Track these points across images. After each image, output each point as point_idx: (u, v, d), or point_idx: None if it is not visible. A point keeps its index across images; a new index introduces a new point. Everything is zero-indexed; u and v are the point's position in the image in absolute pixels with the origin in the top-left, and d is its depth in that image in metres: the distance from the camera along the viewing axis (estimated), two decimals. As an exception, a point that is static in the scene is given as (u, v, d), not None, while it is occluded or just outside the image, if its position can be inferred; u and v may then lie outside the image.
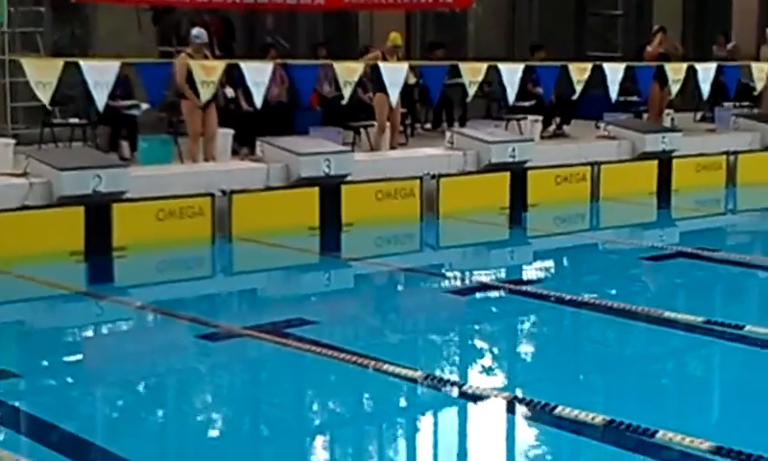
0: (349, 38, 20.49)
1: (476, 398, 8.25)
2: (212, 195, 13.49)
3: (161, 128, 17.30)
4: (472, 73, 15.94)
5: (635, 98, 21.07)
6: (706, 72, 18.21)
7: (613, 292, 11.71)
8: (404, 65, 16.15)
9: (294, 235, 13.67)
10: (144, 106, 16.42)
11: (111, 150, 16.15)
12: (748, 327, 9.68)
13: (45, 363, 9.46)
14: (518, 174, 15.90)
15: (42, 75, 12.53)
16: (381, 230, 14.43)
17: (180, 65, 15.11)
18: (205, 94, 14.17)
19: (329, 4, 18.97)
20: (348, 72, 14.92)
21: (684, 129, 19.24)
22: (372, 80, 17.35)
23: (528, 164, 16.06)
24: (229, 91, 16.81)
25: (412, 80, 18.75)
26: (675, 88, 18.35)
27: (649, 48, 20.15)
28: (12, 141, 14.50)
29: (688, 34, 25.81)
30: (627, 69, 17.52)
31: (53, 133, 16.74)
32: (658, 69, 18.68)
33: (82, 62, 13.03)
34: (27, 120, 17.69)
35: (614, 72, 17.17)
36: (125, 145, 16.30)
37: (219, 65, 14.36)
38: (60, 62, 12.71)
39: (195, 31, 15.59)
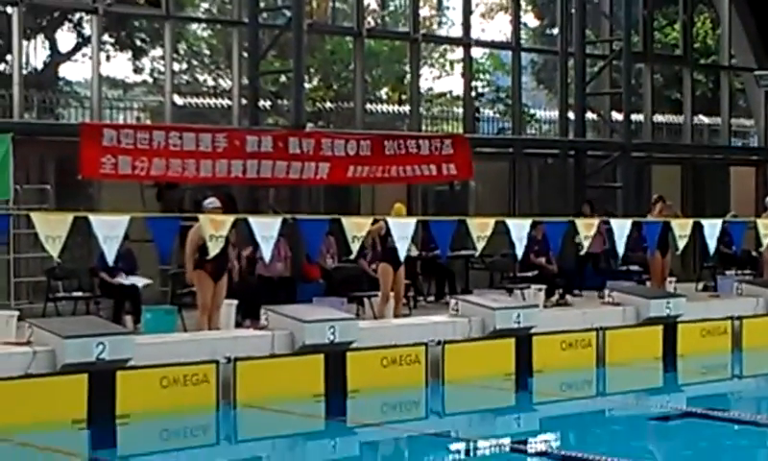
0: (351, 211, 20.66)
1: None
2: (217, 362, 13.40)
3: (164, 300, 17.30)
4: (480, 228, 15.82)
5: (636, 267, 21.20)
6: (712, 227, 17.99)
7: (623, 451, 11.55)
8: (412, 220, 16.12)
9: (299, 402, 13.52)
10: (145, 281, 16.45)
11: (115, 323, 16.08)
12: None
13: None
14: (524, 340, 15.83)
15: (52, 229, 12.51)
16: (387, 397, 14.28)
17: (192, 233, 15.01)
18: (214, 249, 14.05)
19: (332, 178, 19.12)
20: (356, 227, 14.87)
21: (687, 297, 19.17)
22: (377, 250, 17.44)
23: (533, 330, 15.99)
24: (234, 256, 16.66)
25: (414, 252, 18.84)
26: (682, 243, 17.94)
27: (650, 217, 20.27)
28: (16, 313, 14.48)
29: (687, 204, 26.04)
30: (633, 227, 17.37)
31: (56, 308, 16.74)
32: (659, 239, 18.66)
33: (91, 217, 13.02)
34: (30, 295, 17.75)
35: (621, 228, 17.07)
36: (128, 319, 16.25)
37: (227, 220, 14.30)
38: (69, 217, 12.68)
39: (208, 199, 15.66)
